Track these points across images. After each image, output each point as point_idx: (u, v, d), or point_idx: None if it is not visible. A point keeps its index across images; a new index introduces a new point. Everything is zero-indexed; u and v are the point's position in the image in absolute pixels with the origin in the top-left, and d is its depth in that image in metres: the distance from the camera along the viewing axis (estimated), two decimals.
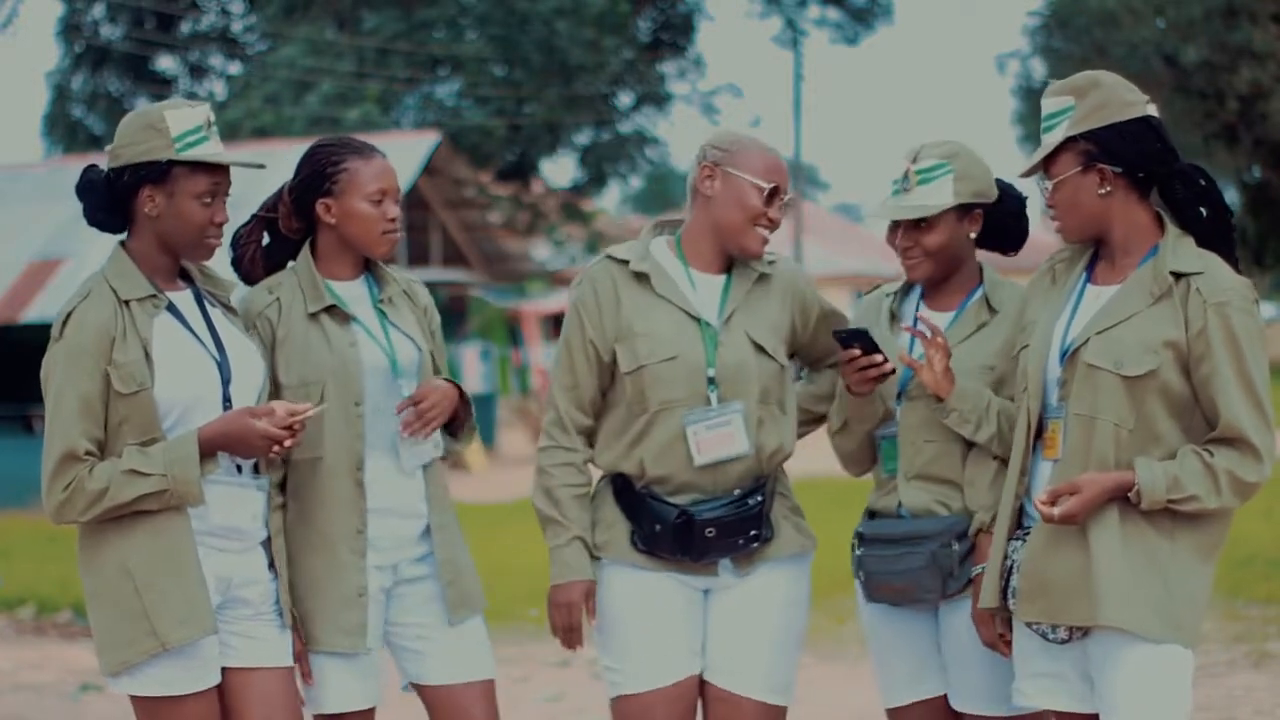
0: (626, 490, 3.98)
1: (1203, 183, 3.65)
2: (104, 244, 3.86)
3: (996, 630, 3.80)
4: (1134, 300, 3.61)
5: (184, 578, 3.70)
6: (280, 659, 3.86)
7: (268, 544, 3.88)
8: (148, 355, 3.72)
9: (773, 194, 3.94)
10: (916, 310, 4.04)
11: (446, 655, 4.01)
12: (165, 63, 33.54)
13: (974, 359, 3.94)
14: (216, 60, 33.67)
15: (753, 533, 3.94)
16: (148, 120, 3.76)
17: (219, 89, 32.60)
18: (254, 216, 4.12)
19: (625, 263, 4.00)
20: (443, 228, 25.85)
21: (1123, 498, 3.55)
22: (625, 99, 32.12)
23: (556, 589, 3.96)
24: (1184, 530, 3.58)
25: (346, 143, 4.05)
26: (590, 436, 4.04)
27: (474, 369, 25.49)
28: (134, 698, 3.77)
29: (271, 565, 3.89)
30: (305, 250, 4.05)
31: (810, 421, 4.18)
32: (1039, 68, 30.41)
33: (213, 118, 3.81)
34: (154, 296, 3.78)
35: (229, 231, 3.97)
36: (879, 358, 3.86)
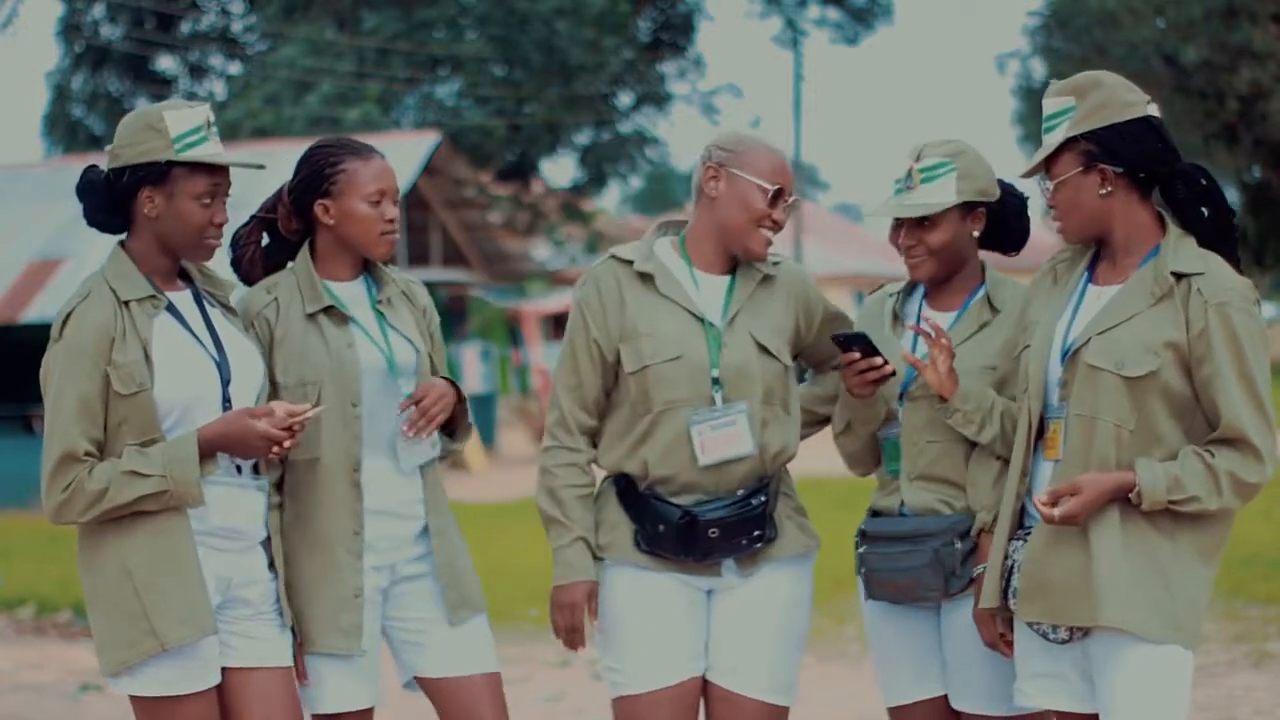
0: (630, 491, 3.97)
1: (1204, 183, 3.65)
2: (104, 244, 3.86)
3: (997, 630, 3.80)
4: (1135, 301, 3.60)
5: (184, 578, 3.70)
6: (280, 659, 3.86)
7: (267, 544, 3.88)
8: (147, 356, 3.71)
9: (777, 195, 3.94)
10: (920, 310, 4.04)
11: (448, 647, 4.00)
12: (165, 63, 33.55)
13: (976, 359, 3.94)
14: (216, 60, 33.68)
15: (756, 533, 3.94)
16: (147, 121, 3.76)
17: (219, 89, 32.60)
18: (253, 217, 4.11)
19: (630, 263, 4.00)
20: (443, 228, 25.85)
21: (1124, 498, 3.55)
22: (625, 99, 32.13)
23: (559, 590, 3.96)
24: (1185, 531, 3.58)
25: (345, 144, 4.04)
26: (594, 437, 4.04)
27: (474, 369, 25.48)
28: (134, 698, 3.76)
29: (271, 565, 3.88)
30: (304, 251, 4.04)
31: (814, 423, 4.18)
32: (1039, 68, 30.40)
33: (212, 118, 3.81)
34: (153, 297, 3.78)
35: (229, 232, 3.97)
36: (879, 360, 3.86)
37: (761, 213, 3.93)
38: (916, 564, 3.90)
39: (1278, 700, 7.03)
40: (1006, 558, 3.72)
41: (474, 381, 24.85)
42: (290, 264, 4.07)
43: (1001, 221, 4.04)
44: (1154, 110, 3.66)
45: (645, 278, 3.99)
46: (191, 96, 31.75)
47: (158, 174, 3.75)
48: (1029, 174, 3.75)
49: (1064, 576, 3.59)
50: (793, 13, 35.07)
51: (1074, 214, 3.67)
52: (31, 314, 19.20)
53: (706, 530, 3.90)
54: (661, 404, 3.92)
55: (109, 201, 3.80)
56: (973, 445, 3.91)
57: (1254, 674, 7.54)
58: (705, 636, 3.99)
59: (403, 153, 20.90)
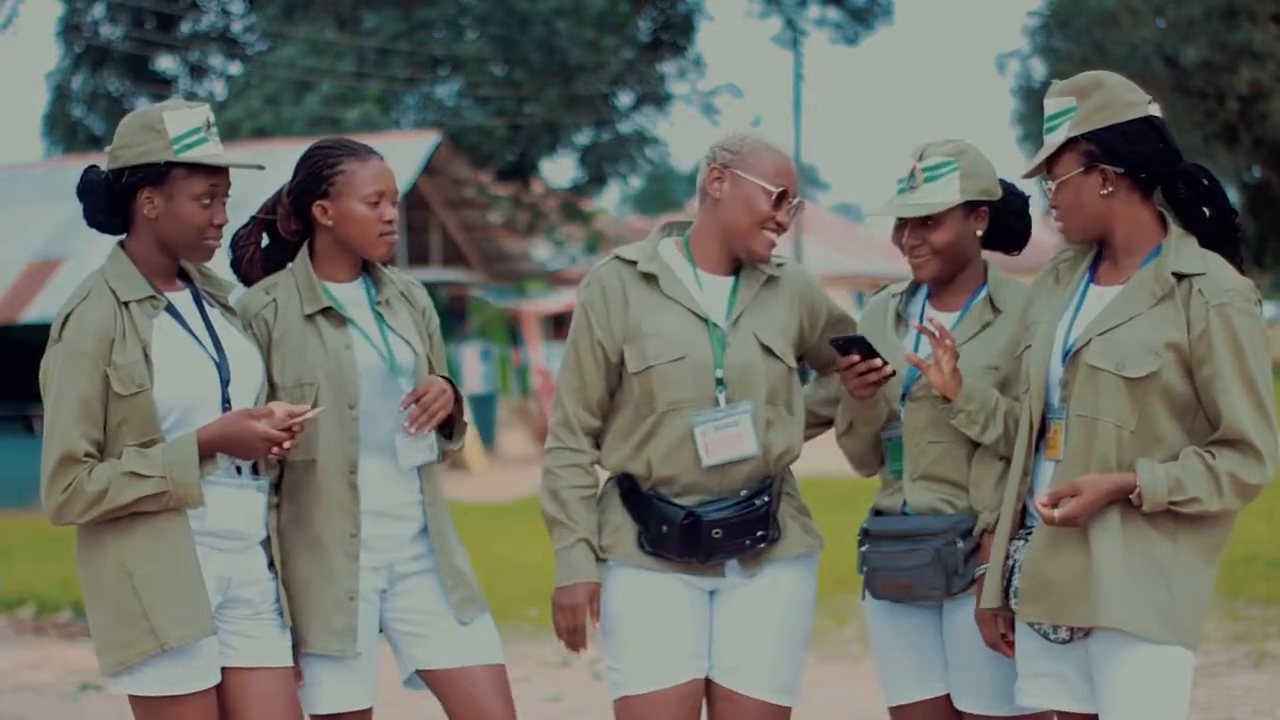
0: (633, 492, 3.97)
1: (1206, 183, 3.64)
2: (104, 244, 3.86)
3: (999, 630, 3.80)
4: (1136, 301, 3.60)
5: (183, 578, 3.70)
6: (280, 658, 3.85)
7: (267, 543, 3.88)
8: (147, 356, 3.71)
9: (781, 198, 3.94)
10: (923, 310, 4.04)
11: (453, 639, 3.99)
12: (165, 63, 33.55)
13: (978, 359, 3.93)
14: (216, 60, 33.68)
15: (759, 533, 3.94)
16: (146, 121, 3.75)
17: (219, 89, 32.60)
18: (253, 218, 4.11)
19: (633, 263, 4.00)
20: (443, 228, 25.86)
21: (1124, 499, 3.55)
22: (625, 99, 32.15)
23: (561, 591, 3.96)
24: (1186, 532, 3.57)
25: (343, 145, 4.04)
26: (597, 438, 4.03)
27: (474, 369, 25.49)
28: (133, 698, 3.76)
29: (271, 565, 3.88)
30: (303, 252, 4.04)
31: (818, 425, 4.18)
32: (1039, 68, 30.41)
33: (212, 119, 3.80)
34: (153, 298, 3.77)
35: (229, 233, 3.97)
36: (878, 361, 3.86)
37: (765, 215, 3.93)
38: (918, 563, 3.89)
39: (1278, 700, 7.03)
40: (1008, 558, 3.72)
41: (474, 381, 24.85)
42: (290, 265, 4.07)
43: (1003, 221, 4.04)
44: (1155, 110, 3.66)
45: (649, 278, 3.98)
46: (191, 97, 31.74)
47: (157, 175, 3.74)
48: (1030, 174, 3.74)
49: (1064, 577, 3.59)
50: (793, 13, 35.09)
51: (1075, 214, 3.67)
52: (31, 314, 19.22)
53: (710, 531, 3.89)
54: (665, 404, 3.92)
55: (109, 202, 3.79)
56: (975, 445, 3.91)
57: (1254, 674, 7.53)
58: (708, 637, 3.99)
59: (403, 153, 20.92)
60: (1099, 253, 3.74)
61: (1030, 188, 4.04)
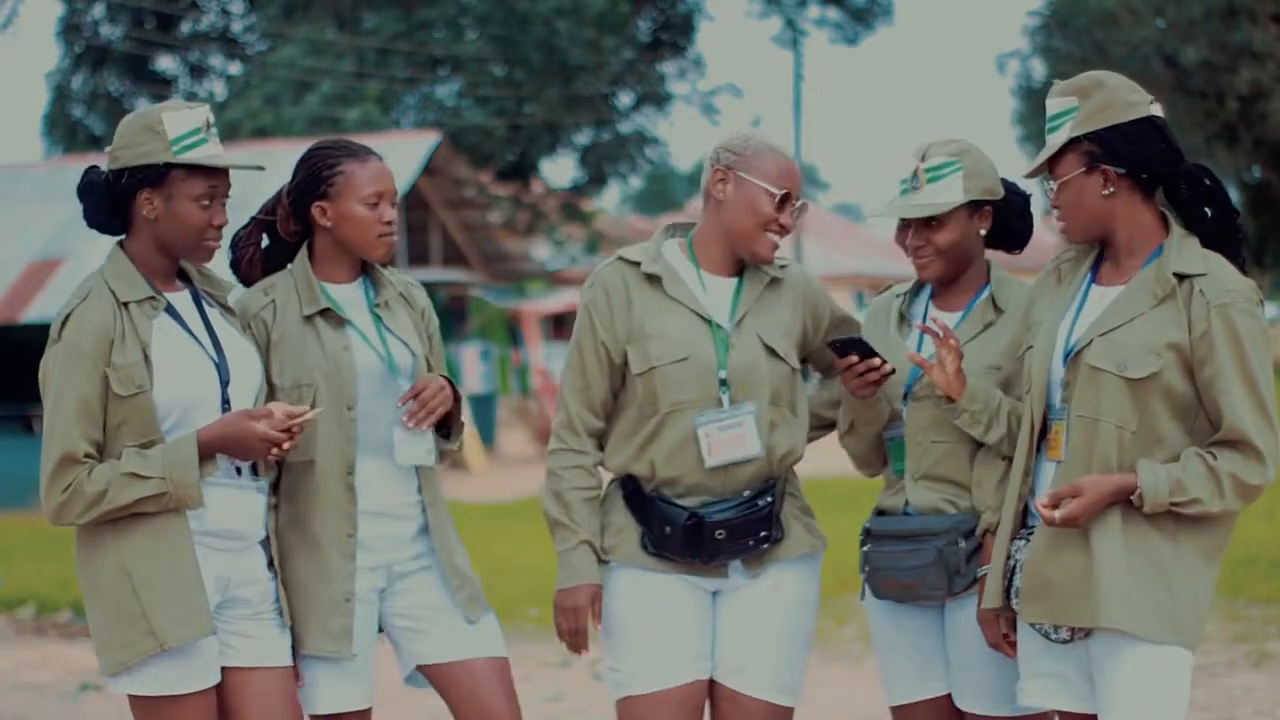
0: (636, 493, 3.97)
1: (1208, 183, 3.64)
2: (104, 244, 3.86)
3: (1001, 630, 3.80)
4: (1137, 302, 3.60)
5: (182, 578, 3.70)
6: (280, 658, 3.85)
7: (267, 543, 3.88)
8: (146, 357, 3.71)
9: (784, 200, 3.94)
10: (926, 310, 4.04)
11: (455, 633, 3.99)
12: (165, 63, 33.54)
13: (980, 359, 3.93)
14: (216, 60, 33.67)
15: (763, 534, 3.93)
16: (145, 122, 3.75)
17: (219, 89, 32.60)
18: (253, 219, 4.11)
19: (637, 265, 4.00)
20: (443, 228, 25.86)
21: (1126, 500, 3.55)
22: (625, 99, 32.14)
23: (563, 593, 3.95)
24: (1187, 533, 3.57)
25: (342, 145, 4.04)
26: (601, 439, 4.03)
27: (474, 369, 25.50)
28: (133, 698, 3.76)
29: (271, 565, 3.88)
30: (302, 253, 4.04)
31: (821, 427, 4.17)
32: (1039, 68, 30.39)
33: (212, 119, 3.80)
34: (152, 298, 3.77)
35: (229, 233, 3.97)
36: (876, 360, 3.86)
37: (768, 217, 3.93)
38: (920, 563, 3.89)
39: (1278, 700, 7.03)
40: (1009, 558, 3.72)
41: (474, 381, 24.86)
42: (289, 266, 4.07)
43: (1005, 220, 4.04)
44: (1157, 110, 3.65)
45: (653, 279, 3.98)
46: (191, 97, 31.75)
47: (156, 176, 3.74)
48: (1032, 174, 3.74)
49: (1065, 577, 3.59)
50: (793, 13, 35.08)
51: (1077, 214, 3.67)
52: (31, 314, 19.23)
53: (713, 532, 3.89)
54: (669, 405, 3.92)
55: (108, 203, 3.79)
56: (978, 445, 3.90)
57: (1254, 674, 7.53)
58: (711, 638, 3.99)
59: (403, 153, 20.92)
60: (1101, 253, 3.73)
61: (1031, 187, 4.04)
